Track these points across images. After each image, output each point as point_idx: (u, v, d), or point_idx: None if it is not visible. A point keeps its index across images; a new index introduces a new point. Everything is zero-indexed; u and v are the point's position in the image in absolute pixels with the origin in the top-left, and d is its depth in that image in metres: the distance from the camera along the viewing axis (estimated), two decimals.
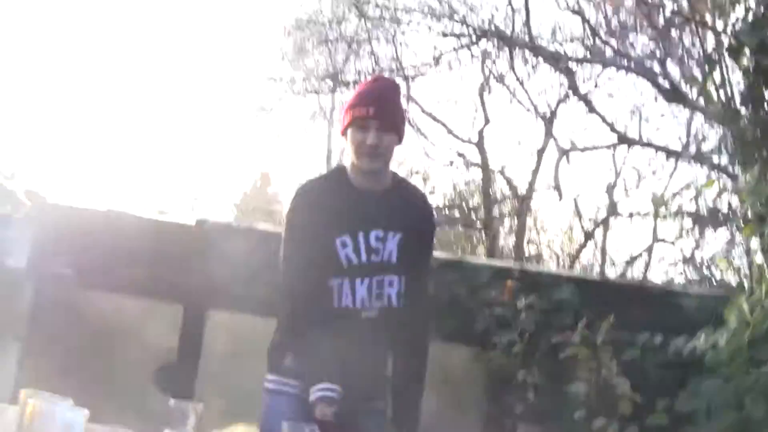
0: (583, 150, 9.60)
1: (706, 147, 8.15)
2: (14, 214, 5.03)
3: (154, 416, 5.02)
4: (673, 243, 9.91)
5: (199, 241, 5.35)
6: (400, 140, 3.09)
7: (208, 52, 26.15)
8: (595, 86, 10.24)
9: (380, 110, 2.99)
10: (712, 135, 8.06)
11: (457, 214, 11.59)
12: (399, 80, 10.68)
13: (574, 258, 11.28)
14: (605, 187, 10.82)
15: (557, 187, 8.63)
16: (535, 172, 10.37)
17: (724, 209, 6.36)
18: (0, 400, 4.64)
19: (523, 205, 10.63)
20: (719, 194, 5.66)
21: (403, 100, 3.13)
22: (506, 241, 13.85)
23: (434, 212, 3.41)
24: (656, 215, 8.05)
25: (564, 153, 8.81)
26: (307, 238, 2.97)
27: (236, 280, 5.20)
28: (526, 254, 11.96)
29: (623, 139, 9.38)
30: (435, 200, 11.90)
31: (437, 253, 5.59)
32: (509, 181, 11.50)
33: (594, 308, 5.22)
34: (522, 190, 11.18)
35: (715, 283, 6.92)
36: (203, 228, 5.42)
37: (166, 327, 5.48)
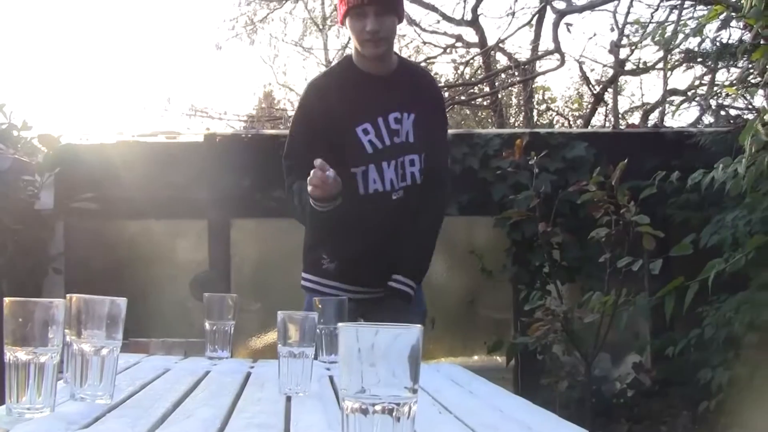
0: (581, 11, 9.37)
1: None
2: (33, 160, 5.12)
3: (196, 328, 5.23)
4: (685, 93, 9.83)
5: (212, 155, 5.43)
6: (400, 19, 3.08)
7: None
8: None
9: None
10: None
11: (462, 97, 11.50)
12: None
13: (586, 122, 11.22)
14: (609, 46, 10.68)
15: (558, 50, 8.52)
16: (535, 39, 10.26)
17: (731, 40, 6.26)
18: None
19: (525, 72, 10.51)
20: (724, 26, 5.53)
21: None
22: (516, 116, 13.85)
23: (439, 88, 3.47)
24: (665, 53, 7.84)
25: (561, 15, 8.63)
26: (318, 130, 2.97)
27: (253, 187, 5.30)
28: (537, 125, 11.92)
29: None
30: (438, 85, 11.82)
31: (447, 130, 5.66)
32: (509, 55, 11.39)
33: (610, 162, 5.28)
34: (523, 60, 11.06)
35: (731, 121, 6.85)
36: (213, 141, 5.49)
37: (193, 242, 5.64)
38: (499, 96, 11.17)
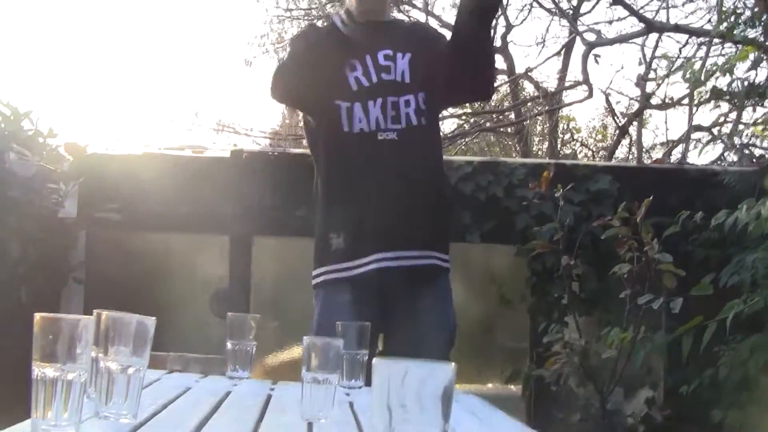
0: (611, 44, 9.33)
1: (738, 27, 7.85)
2: (58, 168, 5.13)
3: (213, 344, 5.25)
4: (710, 130, 9.78)
5: (237, 171, 5.45)
6: None
7: None
8: None
9: None
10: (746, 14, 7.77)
11: (488, 123, 11.52)
12: None
13: (609, 154, 11.22)
14: (636, 79, 10.64)
15: (586, 81, 8.51)
16: (563, 69, 10.28)
17: (760, 79, 6.26)
18: None
19: (552, 101, 10.52)
20: (754, 66, 5.53)
21: None
22: (540, 144, 13.84)
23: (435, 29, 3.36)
24: (692, 90, 7.82)
25: (591, 47, 8.61)
26: (310, 60, 2.94)
27: (276, 206, 5.32)
28: (560, 154, 11.92)
29: (651, 27, 8.97)
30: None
31: (472, 157, 5.67)
32: (536, 83, 11.41)
33: (633, 196, 5.27)
34: (551, 89, 11.06)
35: (754, 161, 6.84)
36: (239, 158, 5.51)
37: (215, 257, 5.65)
38: (525, 124, 11.18)
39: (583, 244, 4.91)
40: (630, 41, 9.48)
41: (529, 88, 12.36)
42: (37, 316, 1.47)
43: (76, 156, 5.19)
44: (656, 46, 10.30)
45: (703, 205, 4.70)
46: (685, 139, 9.65)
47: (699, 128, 9.77)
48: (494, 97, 12.30)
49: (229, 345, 2.55)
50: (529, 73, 10.82)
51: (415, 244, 2.93)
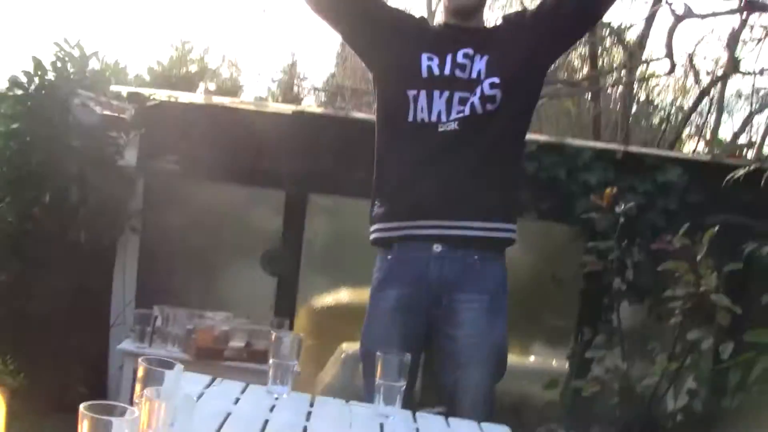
0: (702, 17, 8.77)
1: None
2: (121, 115, 5.12)
3: (260, 299, 5.30)
4: None
5: (297, 130, 5.39)
6: None
7: None
8: None
9: None
10: None
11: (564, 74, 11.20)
12: None
13: (686, 116, 10.84)
14: (726, 40, 10.07)
15: (670, 56, 8.16)
16: (646, 28, 9.85)
17: None
18: (129, 278, 4.95)
19: (631, 71, 10.15)
20: None
21: None
22: (614, 92, 13.41)
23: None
24: None
25: (679, 19, 8.19)
26: (387, 41, 2.96)
27: (335, 166, 5.27)
28: (633, 110, 11.54)
29: (752, 5, 8.33)
30: None
31: (536, 136, 5.50)
32: (623, 41, 10.94)
33: (702, 191, 5.09)
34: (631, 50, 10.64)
35: None
36: (301, 117, 5.46)
37: (269, 212, 5.64)
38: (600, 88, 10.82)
39: (643, 233, 4.82)
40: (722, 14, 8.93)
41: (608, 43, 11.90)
42: (83, 411, 1.44)
43: (140, 105, 5.17)
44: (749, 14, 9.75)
45: None
46: None
47: None
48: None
49: (271, 361, 2.59)
50: (609, 31, 10.41)
51: (458, 215, 2.88)
